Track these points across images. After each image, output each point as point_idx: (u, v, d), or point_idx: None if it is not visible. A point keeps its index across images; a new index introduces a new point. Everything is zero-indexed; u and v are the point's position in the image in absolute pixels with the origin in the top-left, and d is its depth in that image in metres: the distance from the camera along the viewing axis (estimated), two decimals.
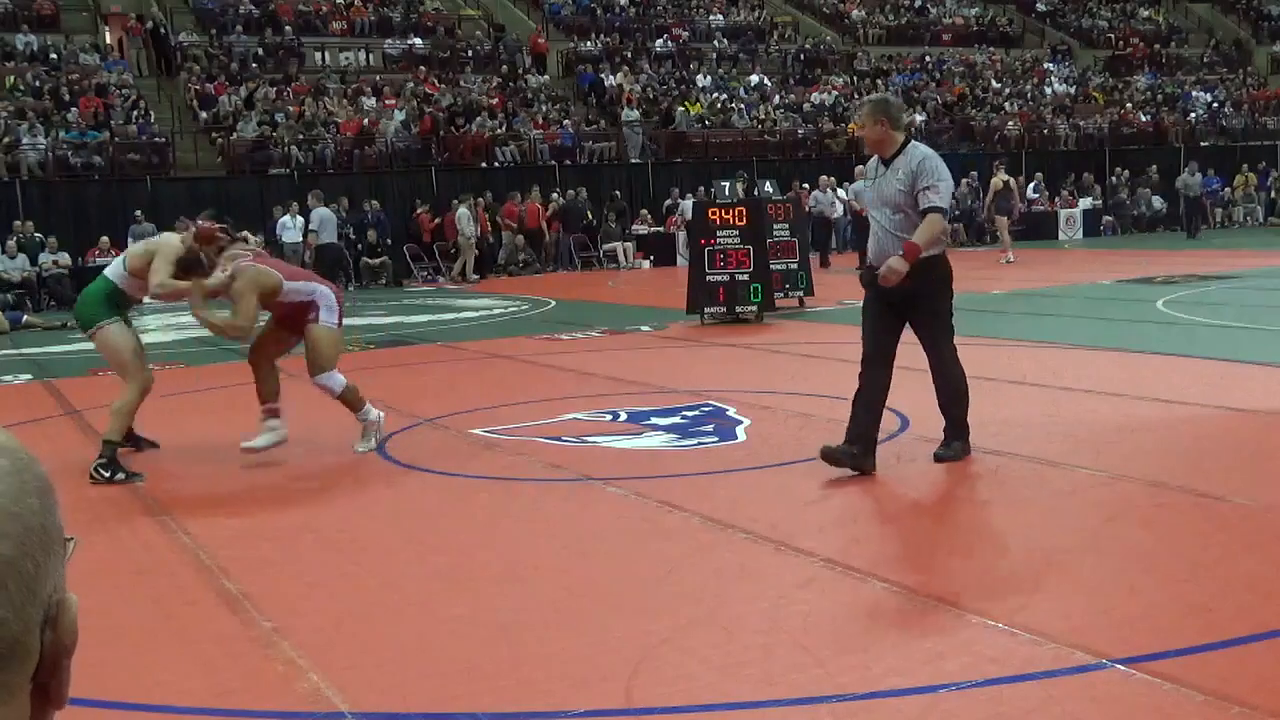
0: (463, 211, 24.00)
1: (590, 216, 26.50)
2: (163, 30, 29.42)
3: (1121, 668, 3.61)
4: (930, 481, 6.18)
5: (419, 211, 25.18)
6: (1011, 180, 23.81)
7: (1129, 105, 36.55)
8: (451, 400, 9.35)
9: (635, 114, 29.75)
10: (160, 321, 18.28)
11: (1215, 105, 37.37)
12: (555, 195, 26.32)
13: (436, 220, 25.03)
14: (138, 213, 23.48)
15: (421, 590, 4.76)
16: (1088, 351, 10.61)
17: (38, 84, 26.22)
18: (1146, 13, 43.86)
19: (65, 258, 21.55)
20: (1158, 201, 31.93)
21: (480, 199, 25.28)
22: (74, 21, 29.94)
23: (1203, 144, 34.77)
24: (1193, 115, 36.41)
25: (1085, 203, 31.58)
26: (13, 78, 26.36)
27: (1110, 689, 3.52)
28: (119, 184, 24.11)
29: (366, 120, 26.84)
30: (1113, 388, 8.54)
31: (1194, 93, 38.06)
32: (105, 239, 22.61)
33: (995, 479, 6.12)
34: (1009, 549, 4.90)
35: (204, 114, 26.74)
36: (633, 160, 28.98)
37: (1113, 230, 31.07)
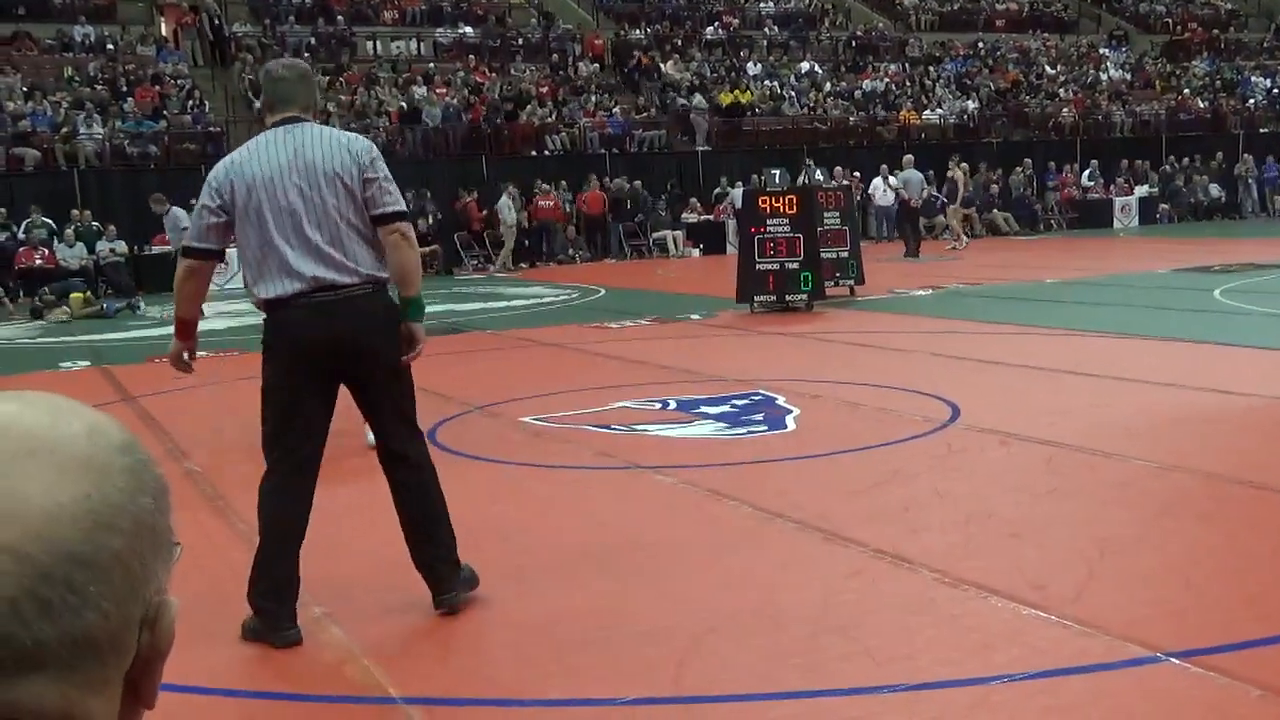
0: (504, 200, 24.14)
1: (630, 204, 26.43)
2: (217, 21, 29.72)
3: (1176, 661, 3.57)
4: (981, 472, 6.13)
5: (466, 200, 25.29)
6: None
7: (1186, 91, 36.01)
8: (501, 388, 9.38)
9: (703, 101, 29.69)
10: (214, 309, 18.50)
11: (1275, 91, 36.71)
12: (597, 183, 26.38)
13: (484, 211, 25.16)
14: (193, 201, 23.73)
15: None
16: (1143, 341, 10.48)
17: (95, 74, 26.58)
18: None
19: (122, 246, 21.85)
20: (1215, 189, 31.46)
21: (550, 186, 25.59)
22: (130, 12, 30.29)
23: (1262, 130, 34.20)
24: (1252, 101, 35.80)
25: (1141, 190, 31.17)
26: (70, 69, 26.73)
27: (1164, 682, 3.48)
28: (174, 173, 24.40)
29: (411, 99, 26.96)
30: (1168, 378, 8.43)
31: (1253, 78, 37.40)
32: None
33: (1048, 469, 6.06)
34: (1061, 540, 4.85)
35: (257, 103, 26.97)
36: (698, 148, 28.95)
37: (1169, 218, 30.66)
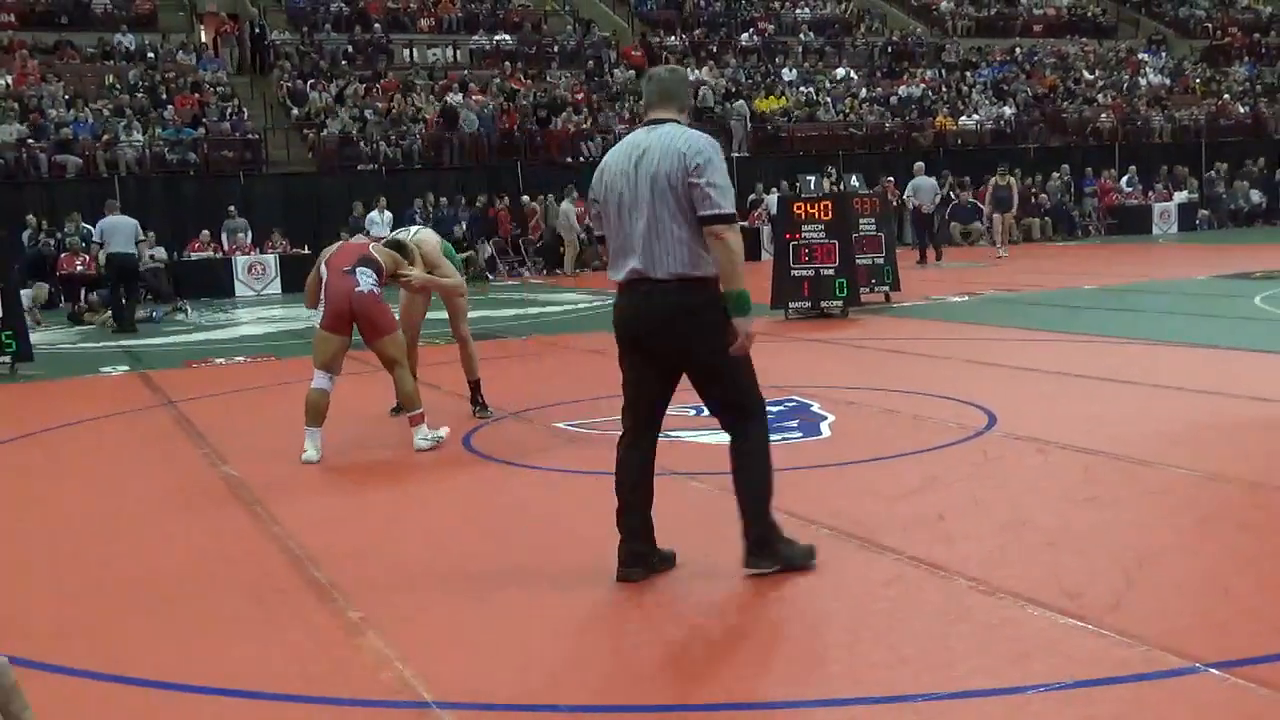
0: (565, 205, 24.36)
1: None
2: (258, 29, 29.95)
3: (1216, 672, 3.53)
4: (1018, 480, 6.09)
5: (497, 208, 25.43)
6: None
7: (1226, 96, 35.67)
8: (535, 393, 9.40)
9: (744, 106, 29.67)
10: (252, 315, 18.63)
11: None
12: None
13: (516, 226, 25.43)
14: (231, 208, 24.03)
15: (506, 582, 4.79)
16: (1182, 348, 10.39)
17: (135, 82, 26.85)
18: (1246, 1, 42.77)
19: (161, 252, 22.06)
20: (1255, 195, 31.15)
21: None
22: (171, 21, 30.59)
23: None
24: None
25: (1180, 196, 30.90)
26: (111, 76, 27.01)
27: (1204, 693, 3.44)
28: (213, 180, 24.63)
29: (448, 103, 27.08)
30: (1208, 385, 8.35)
31: None
32: (207, 233, 23.35)
33: (1086, 477, 6.01)
34: (1099, 548, 4.81)
35: (295, 111, 27.18)
36: (733, 154, 28.94)
37: (1209, 225, 30.38)
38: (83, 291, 19.57)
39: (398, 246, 8.06)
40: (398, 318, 8.14)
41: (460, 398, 8.79)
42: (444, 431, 7.58)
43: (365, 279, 7.42)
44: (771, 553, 4.63)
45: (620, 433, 4.82)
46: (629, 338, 4.65)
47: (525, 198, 25.84)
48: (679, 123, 4.61)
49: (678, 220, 4.44)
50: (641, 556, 4.70)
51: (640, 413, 4.74)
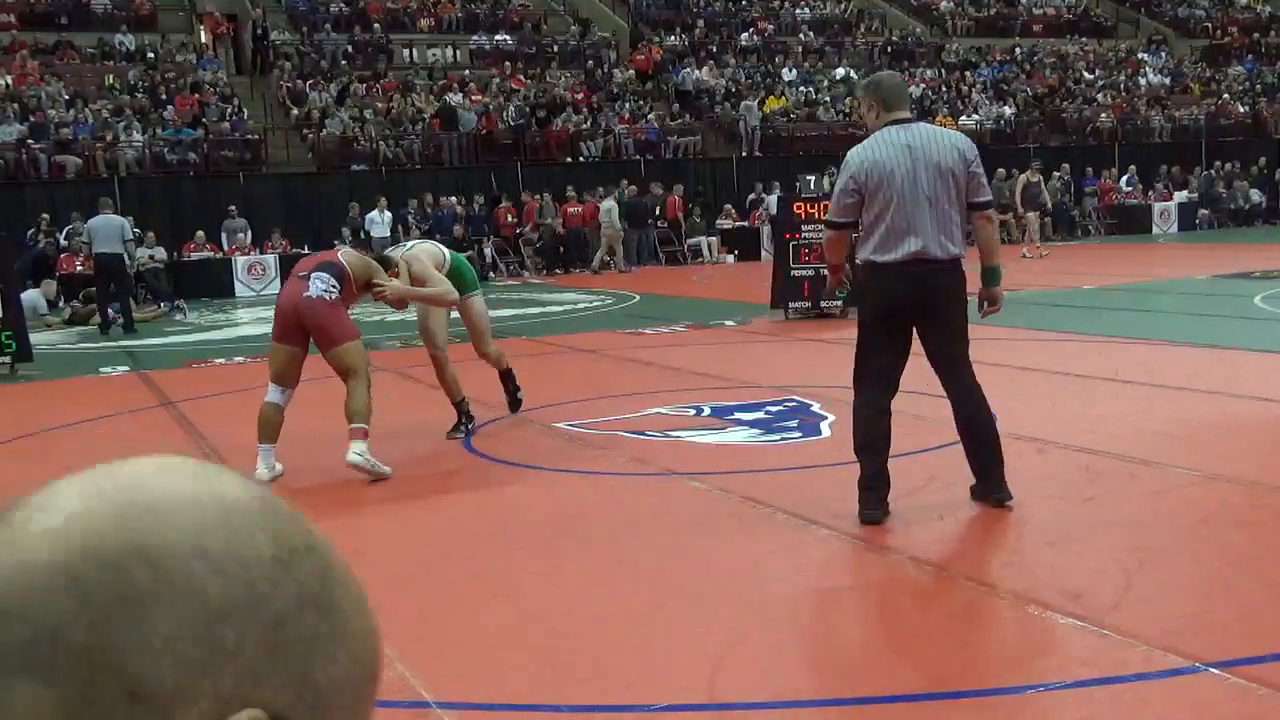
0: (608, 204, 24.47)
1: (655, 212, 26.31)
2: (260, 30, 29.96)
3: (1216, 671, 3.53)
4: (1018, 480, 6.09)
5: (499, 206, 25.45)
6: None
7: (1226, 96, 35.67)
8: (536, 394, 9.39)
9: (754, 104, 29.68)
10: (252, 315, 18.63)
11: None
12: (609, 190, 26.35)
13: (515, 220, 25.43)
14: (231, 208, 24.03)
15: (506, 583, 4.79)
16: (1182, 348, 10.39)
17: (135, 83, 26.86)
18: (1246, 1, 42.78)
19: (161, 252, 22.07)
20: (1255, 194, 31.16)
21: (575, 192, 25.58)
22: (170, 21, 30.58)
23: None
24: None
25: (1180, 196, 30.90)
26: (111, 77, 27.02)
27: (1204, 693, 3.44)
28: (213, 180, 24.63)
29: (448, 102, 27.13)
30: (1208, 385, 8.35)
31: None
32: (201, 233, 23.28)
33: (1086, 477, 6.01)
34: (1100, 548, 4.81)
35: (295, 111, 27.19)
36: (740, 153, 28.94)
37: (1209, 224, 30.39)
38: (82, 292, 19.59)
39: (383, 261, 7.53)
40: (417, 328, 7.88)
41: (472, 401, 8.79)
42: (388, 469, 6.84)
43: (317, 284, 6.89)
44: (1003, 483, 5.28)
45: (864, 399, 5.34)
46: (900, 310, 5.19)
47: (573, 189, 25.88)
48: (918, 120, 5.28)
49: (955, 207, 5.12)
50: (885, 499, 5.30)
51: (893, 377, 5.30)
